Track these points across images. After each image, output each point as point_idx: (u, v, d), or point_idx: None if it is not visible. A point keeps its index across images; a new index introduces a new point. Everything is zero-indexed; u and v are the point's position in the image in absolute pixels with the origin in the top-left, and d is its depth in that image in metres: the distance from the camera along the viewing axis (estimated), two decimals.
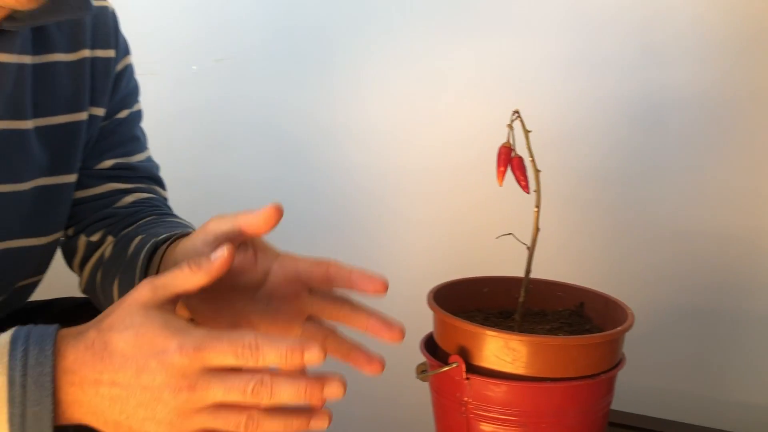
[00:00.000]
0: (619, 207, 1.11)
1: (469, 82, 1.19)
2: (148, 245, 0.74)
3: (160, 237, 0.74)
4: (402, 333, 0.62)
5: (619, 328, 0.73)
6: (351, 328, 0.65)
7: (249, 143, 1.42)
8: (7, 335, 0.54)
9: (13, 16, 0.67)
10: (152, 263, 0.73)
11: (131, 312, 0.54)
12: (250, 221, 0.60)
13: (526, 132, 0.73)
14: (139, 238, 0.77)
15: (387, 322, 0.63)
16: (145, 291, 0.55)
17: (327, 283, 0.64)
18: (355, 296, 0.65)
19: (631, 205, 1.11)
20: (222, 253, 0.57)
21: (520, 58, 1.14)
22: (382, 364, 0.63)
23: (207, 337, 0.52)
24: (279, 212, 0.60)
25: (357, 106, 1.30)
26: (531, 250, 0.75)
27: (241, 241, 0.63)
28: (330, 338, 0.66)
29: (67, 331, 0.55)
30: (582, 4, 1.09)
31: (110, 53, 0.82)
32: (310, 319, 0.67)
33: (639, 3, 1.06)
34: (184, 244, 0.66)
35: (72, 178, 0.80)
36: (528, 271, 0.77)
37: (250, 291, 0.65)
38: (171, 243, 0.72)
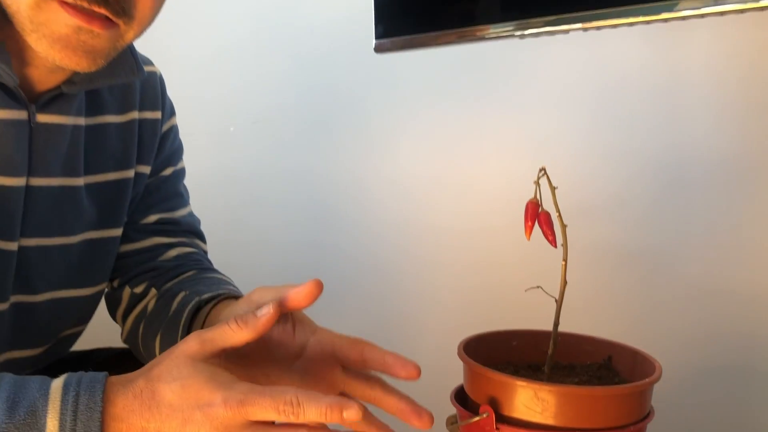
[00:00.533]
0: (646, 262, 1.13)
1: (497, 140, 1.23)
2: (192, 304, 0.77)
3: (204, 296, 0.77)
4: (431, 420, 0.63)
5: (647, 380, 0.73)
6: (381, 409, 0.66)
7: (282, 202, 1.46)
8: (59, 380, 0.57)
9: (71, 80, 0.72)
10: (195, 322, 0.76)
11: (179, 364, 0.57)
12: (293, 295, 0.62)
13: (552, 188, 0.76)
14: (182, 294, 0.81)
15: (417, 408, 0.64)
16: (193, 344, 0.58)
17: (361, 364, 0.66)
18: (387, 378, 0.66)
19: (657, 261, 1.12)
20: (267, 311, 0.60)
21: (546, 117, 1.18)
22: (431, 419, 0.63)
23: (251, 392, 0.55)
24: (319, 288, 0.62)
25: (389, 167, 1.34)
26: (559, 302, 0.76)
27: (282, 313, 0.65)
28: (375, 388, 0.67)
29: (116, 379, 0.57)
30: (607, 67, 1.13)
31: (157, 115, 0.87)
32: (342, 394, 0.68)
33: (661, 66, 1.10)
34: (230, 311, 0.69)
35: (118, 232, 0.84)
36: (556, 323, 0.78)
37: (286, 363, 0.67)
38: (215, 305, 0.75)
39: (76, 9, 0.62)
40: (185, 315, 0.76)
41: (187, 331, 0.76)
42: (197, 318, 0.76)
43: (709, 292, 1.08)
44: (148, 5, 0.66)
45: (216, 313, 0.74)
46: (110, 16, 0.63)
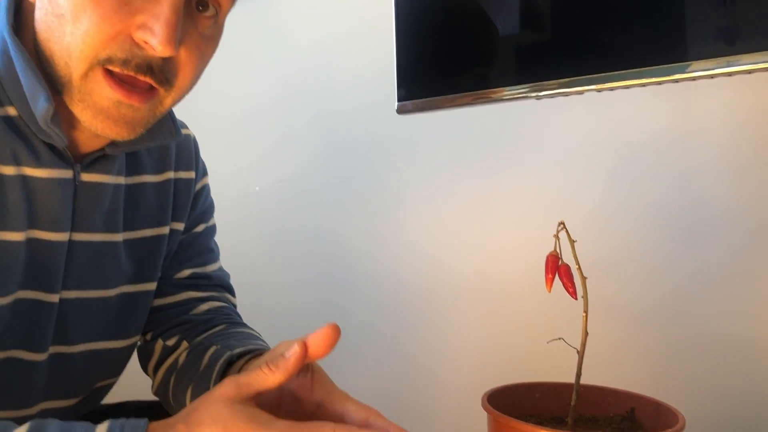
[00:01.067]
0: (666, 314, 1.14)
1: (516, 195, 1.26)
2: (223, 358, 0.79)
3: (235, 351, 0.79)
4: None
5: (669, 430, 0.74)
6: None
7: (305, 259, 1.49)
8: (103, 426, 0.59)
9: (115, 143, 0.77)
10: (226, 377, 0.78)
11: (218, 407, 0.59)
12: (311, 340, 0.64)
13: (572, 241, 0.79)
14: (213, 348, 0.83)
15: None
16: (230, 388, 0.60)
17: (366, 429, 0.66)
18: None
19: (676, 313, 1.13)
20: (295, 350, 0.62)
21: (563, 174, 1.21)
22: None
23: (290, 429, 0.57)
24: (336, 332, 0.64)
25: (410, 223, 1.37)
26: (581, 354, 0.78)
27: (304, 365, 0.66)
28: None
29: (156, 425, 0.59)
30: (621, 126, 1.17)
31: (191, 174, 0.91)
32: None
33: (675, 124, 1.13)
34: (259, 363, 0.70)
35: (152, 286, 0.88)
36: (578, 375, 0.80)
37: (302, 418, 0.68)
38: (247, 361, 0.77)
39: (120, 80, 0.66)
40: (217, 369, 0.78)
41: None
42: (229, 373, 0.78)
43: (729, 344, 1.09)
44: (189, 75, 0.71)
45: (248, 368, 0.76)
46: (153, 85, 0.68)
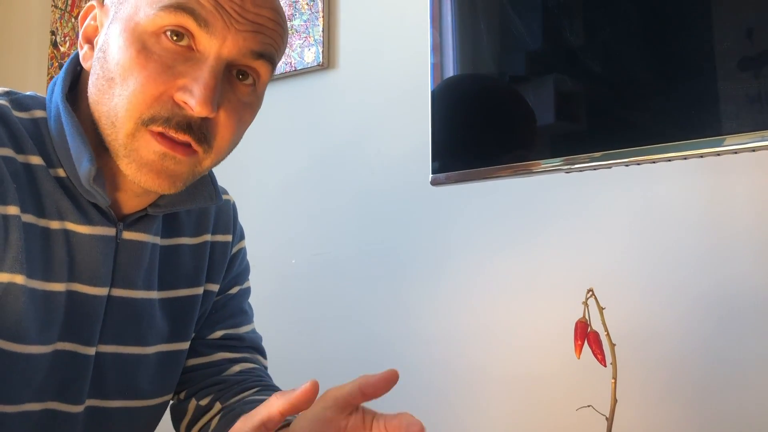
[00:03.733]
0: (695, 384, 1.11)
1: (546, 263, 1.26)
2: None
3: None
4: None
5: None
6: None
7: (337, 333, 1.51)
8: None
9: (157, 203, 0.81)
10: None
11: None
12: (370, 382, 0.64)
13: (600, 308, 0.79)
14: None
15: None
16: (238, 423, 0.63)
17: None
18: None
19: (706, 384, 1.10)
20: (306, 385, 0.62)
21: (594, 243, 1.22)
22: None
23: None
24: (396, 376, 0.64)
25: (443, 293, 1.38)
26: (610, 421, 0.77)
27: (357, 405, 0.67)
28: None
29: None
30: (652, 201, 1.18)
31: (228, 238, 0.94)
32: None
33: (705, 202, 1.14)
34: (305, 414, 0.70)
35: (186, 345, 0.90)
36: None
37: None
38: (279, 429, 0.77)
39: (164, 137, 0.71)
40: None
41: None
42: None
43: (760, 421, 1.06)
44: (227, 138, 0.75)
45: None
46: (192, 143, 0.72)
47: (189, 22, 0.70)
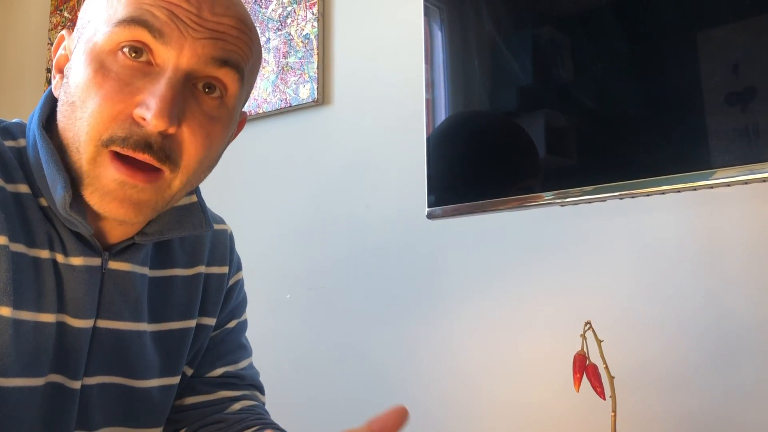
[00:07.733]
0: (697, 416, 1.11)
1: (542, 295, 1.27)
2: None
3: None
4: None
5: None
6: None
7: (333, 368, 1.50)
8: None
9: (144, 231, 0.79)
10: None
11: None
12: (381, 420, 0.62)
13: (599, 341, 0.80)
14: None
15: None
16: None
17: None
18: None
19: (707, 415, 1.10)
20: None
21: (591, 275, 1.22)
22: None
23: None
24: (406, 414, 0.62)
25: (440, 330, 1.38)
26: None
27: None
28: None
29: None
30: (648, 233, 1.20)
31: (224, 269, 0.92)
32: None
33: (702, 233, 1.15)
34: None
35: (176, 380, 0.87)
36: None
37: None
38: None
39: (123, 162, 0.68)
40: None
41: None
42: None
43: None
44: (194, 154, 0.71)
45: None
46: (154, 162, 0.68)
47: (144, 35, 0.68)
